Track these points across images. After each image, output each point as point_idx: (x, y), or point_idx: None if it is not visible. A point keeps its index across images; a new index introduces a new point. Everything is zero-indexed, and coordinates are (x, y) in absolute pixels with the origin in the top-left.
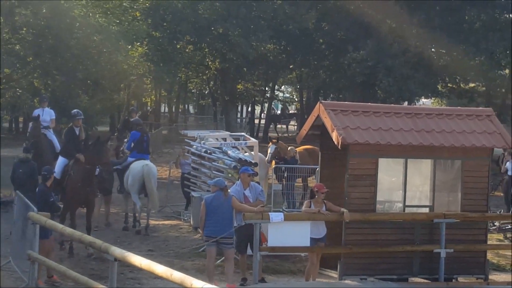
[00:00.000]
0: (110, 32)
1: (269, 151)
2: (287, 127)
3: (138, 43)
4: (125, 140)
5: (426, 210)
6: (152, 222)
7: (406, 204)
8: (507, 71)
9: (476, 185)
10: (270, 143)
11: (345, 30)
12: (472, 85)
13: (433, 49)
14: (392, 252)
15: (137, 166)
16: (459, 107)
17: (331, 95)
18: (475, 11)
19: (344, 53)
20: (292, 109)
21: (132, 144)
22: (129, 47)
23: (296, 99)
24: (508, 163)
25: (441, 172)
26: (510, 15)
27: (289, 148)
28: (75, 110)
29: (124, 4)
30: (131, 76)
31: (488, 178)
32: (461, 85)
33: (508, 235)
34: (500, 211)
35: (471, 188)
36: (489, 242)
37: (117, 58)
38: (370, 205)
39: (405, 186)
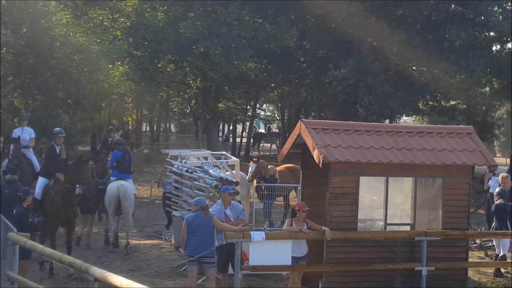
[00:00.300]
0: (91, 51)
1: (249, 170)
2: (270, 146)
3: (119, 62)
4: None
5: (408, 228)
6: (133, 241)
7: (388, 222)
8: (487, 88)
9: (457, 203)
10: (251, 162)
11: (326, 49)
12: (453, 102)
13: (414, 67)
14: (373, 270)
15: (113, 186)
16: (440, 125)
17: (313, 114)
18: (455, 30)
19: (325, 71)
20: (273, 128)
21: (114, 164)
22: (110, 66)
23: (277, 118)
24: (490, 181)
25: (422, 190)
26: (490, 33)
27: (269, 167)
28: (57, 128)
29: (105, 23)
30: (112, 95)
31: (469, 195)
32: (442, 103)
33: (489, 252)
34: (481, 229)
35: (452, 206)
36: (470, 260)
37: (98, 78)
38: (352, 224)
39: (386, 204)
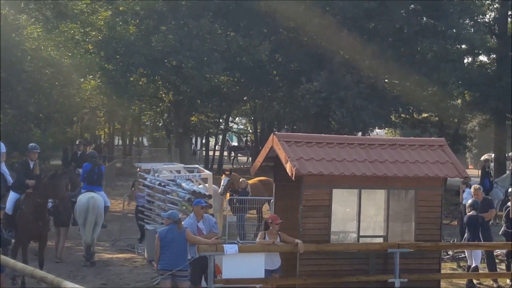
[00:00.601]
0: (62, 65)
1: (222, 183)
2: (247, 159)
3: (91, 76)
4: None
5: (380, 240)
6: (105, 255)
7: (360, 234)
8: (459, 101)
9: (429, 214)
10: (223, 176)
11: (298, 62)
12: (425, 115)
13: (386, 80)
14: (346, 282)
15: (83, 198)
16: (412, 137)
17: (285, 127)
18: (427, 42)
19: (298, 84)
20: (248, 141)
21: (85, 176)
22: (82, 80)
23: (250, 131)
24: (464, 193)
25: (395, 202)
26: (462, 46)
27: (240, 180)
28: (32, 143)
29: (76, 37)
30: (84, 109)
31: (441, 207)
32: (414, 115)
33: (462, 263)
34: (454, 240)
35: (424, 218)
36: (442, 271)
37: (69, 91)
38: (325, 236)
39: (359, 217)
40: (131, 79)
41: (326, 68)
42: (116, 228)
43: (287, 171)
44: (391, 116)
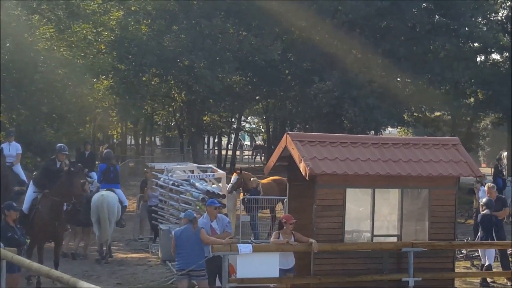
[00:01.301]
0: (75, 65)
1: (231, 181)
2: (260, 158)
3: (104, 76)
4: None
5: (394, 239)
6: (120, 255)
7: (374, 233)
8: (472, 99)
9: (443, 213)
10: (234, 174)
11: (310, 61)
12: (437, 114)
13: (398, 79)
14: (361, 281)
15: (95, 197)
16: (425, 137)
17: (298, 126)
18: (439, 41)
19: (310, 84)
20: (259, 140)
21: (101, 177)
22: (95, 80)
23: (262, 130)
24: (480, 192)
25: (409, 201)
26: (475, 44)
27: (252, 179)
28: (60, 144)
29: (88, 37)
30: (97, 109)
31: (455, 206)
32: (427, 114)
33: (475, 262)
34: (467, 239)
35: (438, 217)
36: (456, 270)
37: (82, 92)
38: (338, 235)
39: (373, 216)
40: (144, 79)
41: (338, 67)
42: (129, 228)
43: (301, 170)
44: (404, 115)
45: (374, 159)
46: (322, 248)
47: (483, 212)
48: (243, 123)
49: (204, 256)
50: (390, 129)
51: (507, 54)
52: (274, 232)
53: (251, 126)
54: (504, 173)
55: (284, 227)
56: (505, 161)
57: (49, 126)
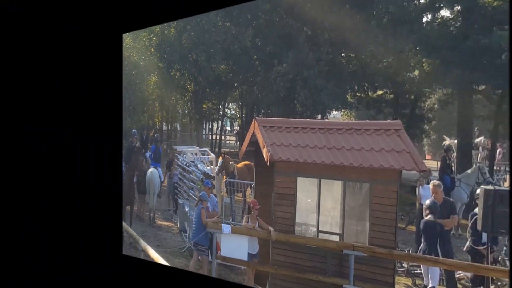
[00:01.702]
0: (139, 66)
1: (218, 164)
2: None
3: (153, 74)
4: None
5: (337, 238)
6: (159, 222)
7: (320, 229)
8: (416, 72)
9: (383, 215)
10: (220, 157)
11: (272, 44)
12: (380, 92)
13: (343, 54)
14: (308, 279)
15: (147, 173)
16: (367, 121)
17: (262, 111)
18: (383, 4)
19: (272, 67)
20: (236, 126)
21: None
22: (148, 77)
23: (238, 116)
24: (421, 189)
25: (351, 196)
26: (420, 1)
27: (230, 163)
28: (134, 129)
29: (146, 43)
30: (149, 101)
31: (397, 207)
32: (369, 93)
33: (417, 281)
34: (409, 250)
35: (379, 218)
36: (396, 287)
37: (142, 87)
38: (291, 226)
39: (318, 209)
40: (172, 73)
41: (293, 48)
42: (163, 200)
43: (264, 156)
44: (347, 96)
45: (320, 146)
46: (278, 238)
47: (427, 217)
48: (226, 110)
49: (202, 232)
50: (334, 112)
51: (459, 7)
52: (245, 216)
53: (231, 112)
54: (453, 169)
55: (252, 212)
56: (454, 153)
57: (129, 116)
